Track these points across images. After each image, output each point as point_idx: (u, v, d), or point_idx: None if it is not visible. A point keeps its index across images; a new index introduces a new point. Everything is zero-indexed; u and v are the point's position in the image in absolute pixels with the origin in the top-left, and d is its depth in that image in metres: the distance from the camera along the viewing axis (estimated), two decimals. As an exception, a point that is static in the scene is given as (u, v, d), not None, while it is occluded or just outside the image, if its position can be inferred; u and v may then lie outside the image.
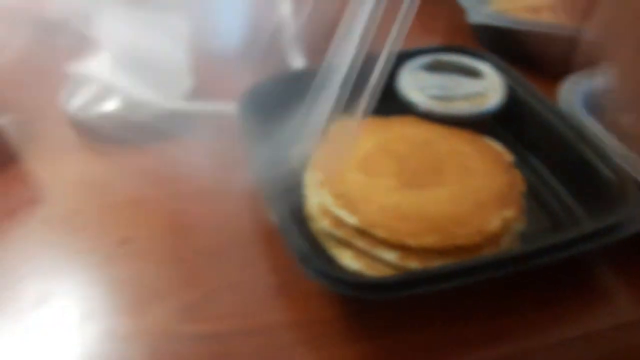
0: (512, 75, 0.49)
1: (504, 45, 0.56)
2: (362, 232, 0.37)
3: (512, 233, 0.39)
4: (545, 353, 0.36)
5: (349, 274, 0.34)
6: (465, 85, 0.48)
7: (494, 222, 0.38)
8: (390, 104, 0.48)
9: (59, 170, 0.48)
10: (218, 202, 0.43)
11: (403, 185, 0.40)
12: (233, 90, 0.56)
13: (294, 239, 0.35)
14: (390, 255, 0.36)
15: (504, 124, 0.49)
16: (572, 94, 0.47)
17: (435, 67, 0.50)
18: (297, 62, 0.57)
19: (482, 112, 0.46)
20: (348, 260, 0.38)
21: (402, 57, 0.51)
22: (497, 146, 0.45)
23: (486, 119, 0.47)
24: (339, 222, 0.38)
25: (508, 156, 0.44)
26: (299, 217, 0.41)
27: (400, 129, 0.45)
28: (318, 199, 0.40)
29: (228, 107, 0.50)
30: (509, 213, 0.39)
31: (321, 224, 0.39)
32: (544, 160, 0.47)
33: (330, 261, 0.38)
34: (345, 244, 0.38)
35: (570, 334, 0.36)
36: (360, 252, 0.37)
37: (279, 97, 0.49)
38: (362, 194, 0.39)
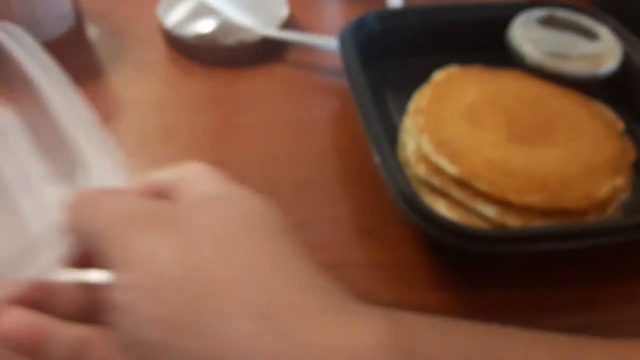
0: (630, 41, 0.46)
1: (625, 7, 0.51)
2: (461, 183, 0.36)
3: (618, 202, 0.37)
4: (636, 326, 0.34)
5: (451, 221, 0.32)
6: (581, 45, 0.45)
7: (603, 189, 0.36)
8: (499, 54, 0.45)
9: (146, 87, 0.48)
10: (312, 135, 0.42)
11: (510, 139, 0.38)
12: (328, 25, 0.54)
13: (396, 177, 0.34)
14: (490, 210, 0.35)
15: (616, 91, 0.46)
16: None
17: (550, 23, 0.47)
18: (395, 1, 0.55)
19: (597, 74, 0.43)
20: (442, 210, 0.36)
21: (517, 8, 0.48)
22: (608, 112, 0.42)
23: (599, 83, 0.44)
24: (436, 169, 0.37)
25: (619, 123, 0.41)
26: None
27: (509, 82, 0.43)
28: (416, 144, 0.39)
29: (323, 40, 0.49)
30: (619, 181, 0.36)
31: (417, 169, 0.38)
32: None
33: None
34: (440, 194, 0.37)
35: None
36: (455, 203, 0.36)
37: (379, 34, 0.47)
38: (466, 144, 0.37)
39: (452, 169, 0.36)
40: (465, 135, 0.38)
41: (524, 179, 0.35)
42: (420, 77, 0.44)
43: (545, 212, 0.34)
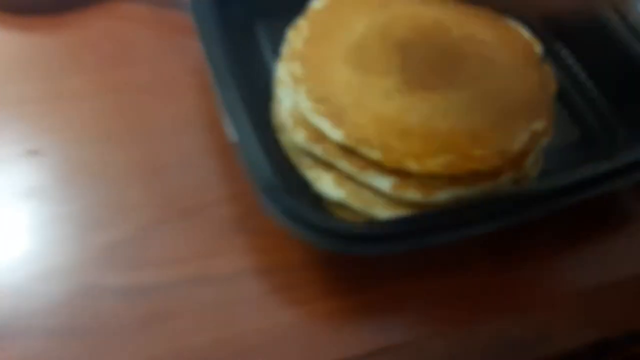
0: None
1: None
2: (348, 151, 0.28)
3: (538, 150, 0.31)
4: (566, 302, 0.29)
5: (320, 216, 0.25)
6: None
7: (520, 138, 0.29)
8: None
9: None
10: (164, 100, 0.33)
11: (406, 86, 0.30)
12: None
13: (253, 157, 0.26)
14: (384, 183, 0.28)
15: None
16: None
17: None
18: None
19: None
20: (328, 185, 0.29)
21: None
22: (523, 32, 0.34)
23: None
24: (319, 135, 0.29)
25: (537, 46, 0.34)
26: (264, 125, 0.31)
27: (403, 7, 0.34)
28: (292, 102, 0.31)
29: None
30: (539, 125, 0.30)
31: (295, 136, 0.30)
32: (579, 54, 0.37)
33: (303, 188, 0.29)
34: (326, 165, 0.29)
35: (599, 279, 0.30)
36: (344, 176, 0.29)
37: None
38: (352, 97, 0.29)
39: (335, 133, 0.28)
40: (350, 85, 0.30)
41: (423, 139, 0.28)
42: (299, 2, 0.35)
43: (452, 178, 0.28)
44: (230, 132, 0.27)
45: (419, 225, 0.26)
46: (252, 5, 0.38)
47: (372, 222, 0.28)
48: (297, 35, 0.32)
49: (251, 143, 0.26)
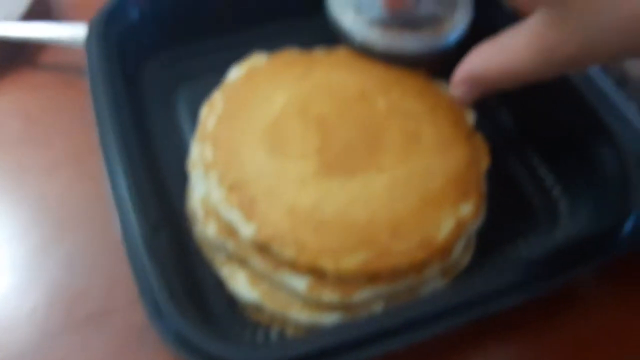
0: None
1: None
2: (261, 247, 0.26)
3: (468, 234, 0.29)
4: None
5: (208, 340, 0.22)
6: (423, 2, 0.34)
7: (446, 225, 0.27)
8: (319, 24, 0.34)
9: None
10: (69, 183, 0.30)
11: (324, 170, 0.28)
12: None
13: (138, 263, 0.24)
14: (299, 283, 0.26)
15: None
16: None
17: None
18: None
19: (440, 47, 0.33)
20: (241, 285, 0.27)
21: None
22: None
23: (447, 54, 0.34)
24: (231, 228, 0.27)
25: (469, 115, 0.32)
26: (177, 213, 0.29)
27: (327, 75, 0.32)
28: (204, 189, 0.28)
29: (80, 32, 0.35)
30: (466, 209, 0.28)
31: (206, 229, 0.28)
32: (518, 118, 0.35)
33: (217, 288, 0.27)
34: (241, 262, 0.27)
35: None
36: (258, 275, 0.27)
37: (153, 14, 0.34)
38: (266, 185, 0.27)
39: (246, 228, 0.26)
40: (265, 170, 0.28)
41: (340, 233, 0.26)
42: (220, 70, 0.33)
43: (371, 276, 0.26)
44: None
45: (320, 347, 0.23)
46: (177, 72, 0.36)
47: (270, 345, 0.26)
48: (210, 112, 0.30)
49: (137, 244, 0.24)
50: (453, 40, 0.33)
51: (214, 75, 0.32)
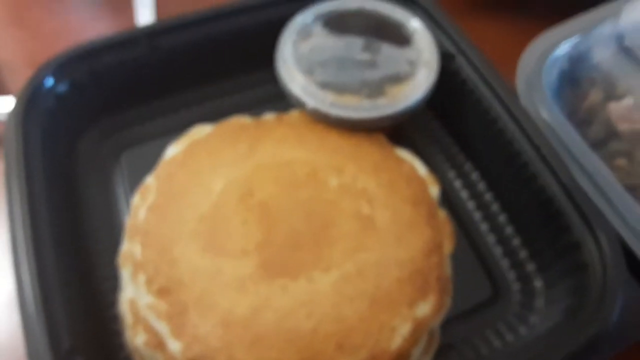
0: (454, 36, 0.32)
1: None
2: (191, 363, 0.23)
3: (429, 333, 0.26)
4: None
5: None
6: (383, 59, 0.31)
7: (400, 332, 0.24)
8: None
9: None
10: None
11: (265, 271, 0.25)
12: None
13: None
14: (234, 407, 0.23)
15: (437, 113, 0.34)
16: (537, 76, 0.31)
17: (337, 24, 0.32)
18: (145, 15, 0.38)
19: (401, 111, 0.30)
20: (173, 405, 0.24)
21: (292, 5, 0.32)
22: (418, 167, 0.30)
23: (408, 116, 0.31)
24: (159, 340, 0.24)
25: (434, 187, 0.29)
26: (98, 318, 0.27)
27: (274, 151, 0.29)
28: (132, 292, 0.26)
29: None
30: (425, 308, 0.25)
31: (134, 338, 0.25)
32: (489, 178, 0.32)
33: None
34: (171, 375, 0.25)
35: None
36: (191, 393, 0.24)
37: (89, 83, 0.32)
38: (199, 289, 0.25)
39: (174, 344, 0.23)
40: (198, 271, 0.25)
41: (279, 349, 0.23)
42: (167, 135, 0.30)
43: (313, 398, 0.23)
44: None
45: None
46: (110, 136, 0.33)
47: None
48: (142, 201, 0.27)
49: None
50: (415, 103, 0.30)
51: (160, 143, 0.30)
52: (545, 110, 0.29)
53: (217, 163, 0.28)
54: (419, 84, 0.30)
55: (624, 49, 0.29)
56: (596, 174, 0.28)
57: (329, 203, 0.27)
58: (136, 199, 0.28)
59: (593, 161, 0.28)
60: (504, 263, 0.30)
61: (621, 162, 0.29)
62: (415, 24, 0.32)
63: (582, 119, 0.31)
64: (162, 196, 0.27)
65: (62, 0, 0.42)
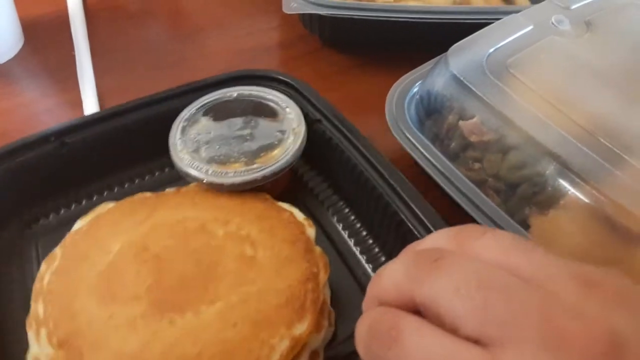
0: (318, 104, 0.38)
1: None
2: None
3: (313, 349, 0.29)
4: None
5: None
6: (259, 132, 0.37)
7: (278, 349, 0.27)
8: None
9: None
10: None
11: (155, 310, 0.28)
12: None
13: None
14: None
15: (313, 166, 0.39)
16: (400, 111, 0.37)
17: (221, 110, 0.38)
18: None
19: (269, 172, 0.35)
20: None
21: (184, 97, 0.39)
22: (296, 214, 0.34)
23: (284, 174, 0.36)
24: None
25: (310, 228, 0.33)
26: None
27: (169, 214, 0.33)
28: (36, 350, 0.28)
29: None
30: (301, 327, 0.28)
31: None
32: (356, 212, 0.37)
33: None
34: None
35: None
36: None
37: None
38: (94, 335, 0.27)
39: (70, 385, 0.26)
40: (94, 320, 0.28)
41: (166, 375, 0.26)
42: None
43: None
44: None
45: None
46: (28, 228, 0.36)
47: None
48: (47, 267, 0.31)
49: None
50: (283, 164, 0.35)
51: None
52: (411, 136, 0.36)
53: (117, 230, 0.32)
54: (287, 149, 0.35)
55: (457, 81, 0.36)
56: (454, 177, 0.33)
57: (216, 248, 0.31)
58: (42, 267, 0.31)
59: (450, 169, 0.34)
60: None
61: (475, 165, 0.35)
62: (284, 101, 0.38)
63: (444, 138, 0.37)
64: (65, 260, 0.31)
65: (12, 82, 0.48)
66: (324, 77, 0.37)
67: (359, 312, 0.22)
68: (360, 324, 0.21)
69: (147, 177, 0.39)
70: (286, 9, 0.40)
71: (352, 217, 0.37)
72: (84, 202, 0.38)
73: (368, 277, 0.34)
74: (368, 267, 0.35)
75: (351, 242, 0.36)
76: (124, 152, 0.38)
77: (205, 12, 0.45)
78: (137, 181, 0.39)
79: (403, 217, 0.32)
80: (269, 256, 0.31)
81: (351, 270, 0.35)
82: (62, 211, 0.37)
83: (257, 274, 0.30)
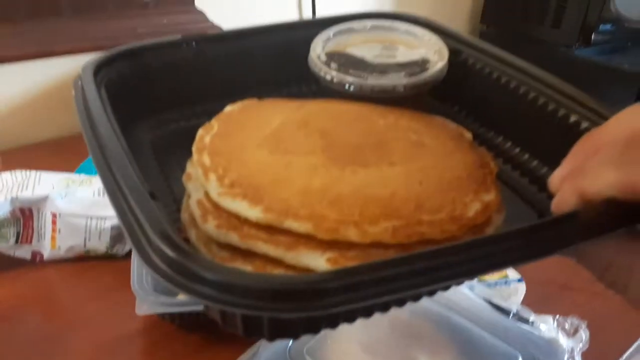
0: (452, 35, 0.38)
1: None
2: (270, 230, 0.23)
3: (496, 226, 0.26)
4: None
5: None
6: (396, 53, 0.36)
7: (472, 206, 0.25)
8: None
9: None
10: None
11: (334, 163, 0.26)
12: None
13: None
14: (319, 260, 0.22)
15: (455, 100, 0.38)
16: None
17: (355, 34, 0.38)
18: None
19: (420, 81, 0.34)
20: (249, 278, 0.22)
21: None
22: (450, 123, 0.33)
23: (426, 91, 0.35)
24: (232, 222, 0.24)
25: (466, 133, 0.32)
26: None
27: (322, 104, 0.32)
28: (201, 194, 0.26)
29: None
30: (489, 197, 0.26)
31: (205, 227, 0.24)
32: (513, 137, 0.35)
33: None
34: (245, 256, 0.23)
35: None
36: (268, 264, 0.23)
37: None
38: (271, 175, 0.25)
39: (252, 212, 0.23)
40: (268, 165, 0.26)
41: (360, 206, 0.23)
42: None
43: (400, 248, 0.22)
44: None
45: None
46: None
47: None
48: (206, 133, 0.29)
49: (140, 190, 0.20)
50: (430, 77, 0.34)
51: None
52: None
53: (272, 110, 0.31)
54: (433, 65, 0.35)
55: None
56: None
57: (381, 132, 0.30)
58: (200, 133, 0.29)
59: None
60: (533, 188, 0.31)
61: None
62: (420, 31, 0.38)
63: None
64: (225, 128, 0.29)
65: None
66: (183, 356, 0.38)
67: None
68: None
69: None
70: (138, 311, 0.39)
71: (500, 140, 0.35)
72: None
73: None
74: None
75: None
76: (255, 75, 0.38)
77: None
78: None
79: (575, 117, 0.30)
80: (437, 144, 0.29)
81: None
82: (193, 120, 0.36)
83: (429, 154, 0.28)
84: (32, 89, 0.66)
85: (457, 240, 0.23)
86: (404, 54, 0.36)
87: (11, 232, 0.44)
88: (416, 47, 0.37)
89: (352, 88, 0.33)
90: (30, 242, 0.44)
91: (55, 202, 0.44)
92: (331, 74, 0.34)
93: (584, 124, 0.30)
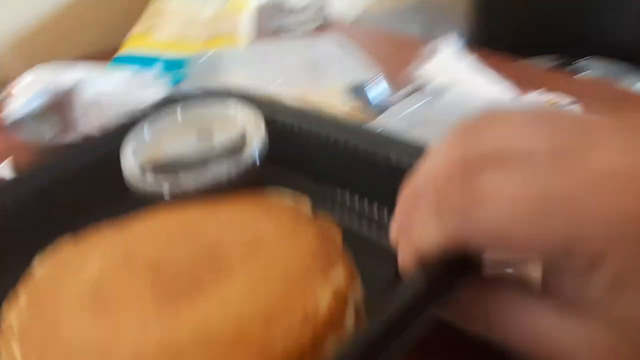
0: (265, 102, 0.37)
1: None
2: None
3: (355, 302, 0.25)
4: None
5: None
6: (212, 137, 0.35)
7: (323, 294, 0.23)
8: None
9: None
10: None
11: (167, 300, 0.23)
12: None
13: None
14: None
15: (287, 163, 0.37)
16: None
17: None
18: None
19: (242, 165, 0.32)
20: None
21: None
22: (286, 198, 0.32)
23: (254, 170, 0.33)
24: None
25: (304, 205, 0.31)
26: None
27: (143, 225, 0.29)
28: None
29: None
30: (339, 273, 0.25)
31: None
32: (350, 185, 0.35)
33: None
34: None
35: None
36: None
37: None
38: (98, 351, 0.21)
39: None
40: (93, 336, 0.22)
41: (208, 346, 0.21)
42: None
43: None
44: None
45: None
46: None
47: None
48: (12, 309, 0.25)
49: None
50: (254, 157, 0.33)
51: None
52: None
53: (89, 255, 0.27)
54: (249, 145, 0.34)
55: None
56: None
57: (213, 239, 0.27)
58: (4, 308, 0.25)
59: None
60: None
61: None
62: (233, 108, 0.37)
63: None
64: (35, 298, 0.25)
65: None
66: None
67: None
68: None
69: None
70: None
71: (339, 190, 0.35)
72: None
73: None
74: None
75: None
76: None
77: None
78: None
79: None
80: (275, 233, 0.27)
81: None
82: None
83: (270, 248, 0.26)
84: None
85: (321, 338, 0.22)
86: (220, 136, 0.35)
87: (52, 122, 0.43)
88: (231, 125, 0.36)
89: (174, 191, 0.31)
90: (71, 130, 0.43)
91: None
92: (148, 182, 0.31)
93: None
